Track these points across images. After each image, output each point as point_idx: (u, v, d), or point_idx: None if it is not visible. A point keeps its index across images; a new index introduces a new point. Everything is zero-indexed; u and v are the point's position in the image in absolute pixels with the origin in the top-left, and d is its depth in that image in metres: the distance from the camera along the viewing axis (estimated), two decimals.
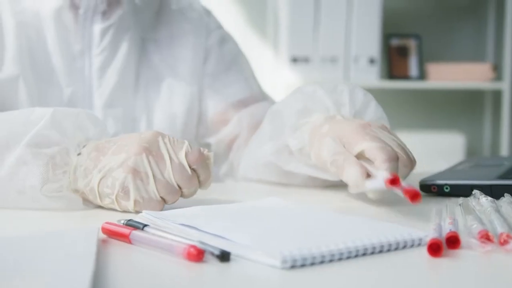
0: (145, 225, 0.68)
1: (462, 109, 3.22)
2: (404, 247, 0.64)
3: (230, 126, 1.21)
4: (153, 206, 0.80)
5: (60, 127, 0.84)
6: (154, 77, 1.18)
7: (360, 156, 0.83)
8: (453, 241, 0.63)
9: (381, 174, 0.76)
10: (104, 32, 1.14)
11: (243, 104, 1.22)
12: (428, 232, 0.65)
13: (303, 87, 1.02)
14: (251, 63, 1.30)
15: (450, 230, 0.65)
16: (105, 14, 1.14)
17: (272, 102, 1.23)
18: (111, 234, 0.68)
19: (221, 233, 0.64)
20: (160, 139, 0.82)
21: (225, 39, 1.27)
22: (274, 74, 2.88)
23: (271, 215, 0.77)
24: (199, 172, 0.83)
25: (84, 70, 1.14)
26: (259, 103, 1.22)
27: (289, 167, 0.98)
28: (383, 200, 0.84)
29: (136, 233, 0.66)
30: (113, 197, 0.81)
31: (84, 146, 0.85)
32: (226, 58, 1.25)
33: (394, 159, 0.80)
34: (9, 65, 1.09)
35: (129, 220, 0.70)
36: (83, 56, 1.14)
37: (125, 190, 0.80)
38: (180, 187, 0.82)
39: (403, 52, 3.05)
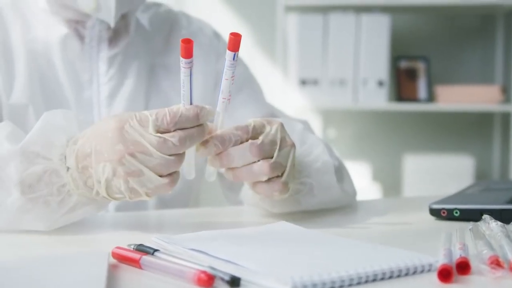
0: (155, 250, 0.68)
1: (471, 131, 3.22)
2: (414, 272, 0.64)
3: None
4: (163, 189, 0.81)
5: (36, 156, 0.83)
6: (164, 103, 1.18)
7: None
8: (463, 267, 0.63)
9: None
10: (111, 61, 1.15)
11: None
12: (438, 258, 0.64)
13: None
14: (260, 85, 1.30)
15: (460, 255, 0.64)
16: (111, 42, 1.15)
17: (283, 117, 1.24)
18: (122, 259, 0.68)
19: (231, 258, 0.64)
20: (126, 128, 0.80)
21: None
22: (283, 96, 2.89)
23: (281, 239, 0.77)
24: (183, 125, 0.81)
25: (92, 99, 1.14)
26: None
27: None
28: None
29: (147, 258, 0.66)
30: (127, 199, 0.82)
31: (65, 157, 0.84)
32: (237, 81, 1.25)
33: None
34: (19, 92, 1.10)
35: (140, 245, 0.70)
36: (91, 85, 1.14)
37: (132, 192, 0.81)
38: (174, 155, 0.81)
39: (411, 74, 3.05)
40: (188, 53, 0.78)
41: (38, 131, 0.85)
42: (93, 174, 0.82)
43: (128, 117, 0.81)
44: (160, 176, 0.81)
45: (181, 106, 0.81)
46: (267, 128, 0.87)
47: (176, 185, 0.83)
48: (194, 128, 0.81)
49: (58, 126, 0.86)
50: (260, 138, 0.86)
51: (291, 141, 0.89)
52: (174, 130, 0.80)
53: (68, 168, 0.83)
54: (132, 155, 0.79)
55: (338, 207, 1.02)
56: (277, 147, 0.86)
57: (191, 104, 0.82)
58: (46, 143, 0.84)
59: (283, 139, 0.88)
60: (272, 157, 0.86)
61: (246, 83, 1.26)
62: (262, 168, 0.85)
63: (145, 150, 0.79)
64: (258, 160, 0.85)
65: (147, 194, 0.82)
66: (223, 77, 0.83)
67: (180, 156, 0.81)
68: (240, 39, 0.79)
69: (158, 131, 0.80)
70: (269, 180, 0.87)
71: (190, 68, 0.79)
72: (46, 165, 0.83)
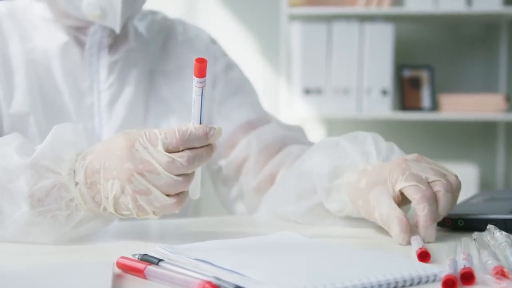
0: (160, 260, 0.68)
1: (475, 140, 3.22)
2: (419, 283, 0.64)
3: (238, 149, 1.21)
4: (171, 209, 0.82)
5: (46, 170, 0.83)
6: (163, 110, 1.19)
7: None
8: (468, 277, 0.63)
9: (416, 243, 0.78)
10: (111, 67, 1.15)
11: (250, 126, 1.22)
12: (442, 268, 0.64)
13: (324, 140, 1.04)
14: (256, 89, 1.31)
15: (465, 265, 0.64)
16: (111, 49, 1.15)
17: (278, 123, 1.24)
18: (126, 268, 0.68)
19: (236, 268, 0.64)
20: (136, 146, 0.80)
21: (230, 66, 1.28)
22: (287, 105, 2.89)
23: (286, 249, 0.77)
24: (192, 145, 0.80)
25: (93, 106, 1.15)
26: (266, 125, 1.23)
27: (325, 222, 1.00)
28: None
29: (151, 268, 0.66)
30: (134, 216, 0.83)
31: (75, 171, 0.84)
32: (232, 84, 1.26)
33: (428, 197, 0.84)
34: (19, 102, 1.10)
35: (144, 254, 0.70)
36: (92, 92, 1.15)
37: (140, 209, 0.82)
38: (182, 175, 0.81)
39: (415, 83, 3.05)
40: (201, 72, 0.78)
41: (47, 145, 0.85)
42: (102, 190, 0.82)
43: (137, 135, 0.81)
44: (168, 195, 0.81)
45: (191, 125, 0.81)
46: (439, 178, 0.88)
47: (183, 205, 0.83)
48: (203, 148, 0.81)
49: (67, 141, 0.86)
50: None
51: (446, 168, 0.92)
52: (182, 150, 0.80)
53: (76, 183, 0.83)
54: (140, 174, 0.80)
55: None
56: (454, 185, 0.89)
57: (200, 123, 0.81)
58: (56, 157, 0.84)
59: (445, 171, 0.92)
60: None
61: (241, 87, 1.27)
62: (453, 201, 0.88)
63: (153, 169, 0.79)
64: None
65: (154, 213, 0.82)
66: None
67: (188, 176, 0.81)
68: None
69: (167, 150, 0.80)
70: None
71: (202, 88, 0.79)
72: (56, 179, 0.83)
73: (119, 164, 0.80)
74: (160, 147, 0.80)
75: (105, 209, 0.83)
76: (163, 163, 0.79)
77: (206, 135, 0.81)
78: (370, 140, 1.00)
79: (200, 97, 0.80)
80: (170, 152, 0.80)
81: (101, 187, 0.82)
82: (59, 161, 0.84)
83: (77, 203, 0.84)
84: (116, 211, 0.83)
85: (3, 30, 1.14)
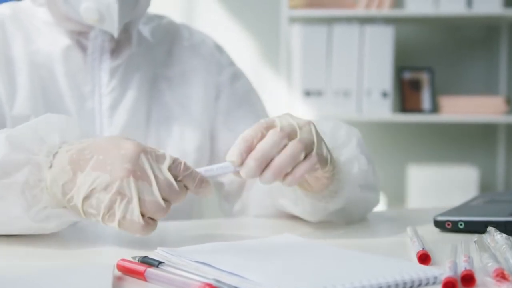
0: (160, 262, 0.68)
1: (475, 142, 3.22)
2: (419, 285, 0.64)
3: None
4: (136, 229, 0.79)
5: (21, 146, 0.82)
6: (165, 115, 1.19)
7: None
8: (468, 280, 0.63)
9: (416, 245, 0.78)
10: (113, 72, 1.15)
11: None
12: (443, 270, 0.64)
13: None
14: (262, 100, 1.30)
15: (465, 268, 0.64)
16: (113, 53, 1.15)
17: None
18: (126, 271, 0.68)
19: (236, 271, 0.64)
20: (142, 155, 0.80)
21: (236, 76, 1.27)
22: (287, 107, 2.89)
23: (286, 251, 0.77)
24: (187, 182, 0.82)
25: (94, 110, 1.14)
26: None
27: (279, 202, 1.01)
28: None
29: (151, 270, 0.66)
30: (99, 218, 0.80)
31: (54, 155, 0.82)
32: (238, 95, 1.25)
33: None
34: (21, 104, 1.10)
35: (144, 257, 0.70)
36: (93, 96, 1.14)
37: (110, 213, 0.79)
38: (168, 201, 0.81)
39: (415, 85, 3.05)
40: None
41: (28, 126, 0.85)
42: (81, 179, 0.80)
43: (147, 147, 0.82)
44: (142, 215, 0.79)
45: (199, 169, 0.84)
46: (277, 119, 0.87)
47: (148, 234, 0.81)
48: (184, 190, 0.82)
49: (55, 127, 0.85)
50: (277, 125, 0.85)
51: (305, 120, 0.88)
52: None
53: (51, 166, 0.81)
54: (135, 178, 0.78)
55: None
56: (297, 127, 0.86)
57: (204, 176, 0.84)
58: (37, 138, 0.83)
59: (297, 120, 0.87)
60: (296, 137, 0.85)
61: (246, 98, 1.26)
62: (296, 146, 0.84)
63: (149, 181, 0.79)
64: (287, 144, 0.84)
65: (119, 224, 0.79)
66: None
67: (168, 207, 0.81)
68: None
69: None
70: (304, 158, 0.85)
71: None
72: (29, 157, 0.82)
73: (118, 162, 0.79)
74: (165, 167, 0.80)
75: (70, 200, 0.81)
76: (161, 180, 0.79)
77: (201, 183, 0.83)
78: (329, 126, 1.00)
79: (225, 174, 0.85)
80: None
81: (81, 176, 0.80)
82: (39, 142, 0.83)
83: (44, 186, 0.82)
84: (82, 206, 0.80)
85: (6, 31, 1.14)
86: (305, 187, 0.92)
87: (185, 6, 3.18)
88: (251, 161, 0.83)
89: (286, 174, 0.85)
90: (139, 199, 0.78)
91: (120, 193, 0.78)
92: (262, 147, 0.83)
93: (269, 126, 0.85)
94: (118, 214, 0.79)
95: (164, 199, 0.80)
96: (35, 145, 0.83)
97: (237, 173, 0.85)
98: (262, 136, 0.84)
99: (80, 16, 1.08)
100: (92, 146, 0.82)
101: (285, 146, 0.84)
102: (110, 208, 0.79)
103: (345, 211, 0.97)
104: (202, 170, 0.84)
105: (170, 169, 0.81)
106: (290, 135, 0.85)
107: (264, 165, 0.83)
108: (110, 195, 0.78)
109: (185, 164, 0.82)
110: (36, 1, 1.15)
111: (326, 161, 0.87)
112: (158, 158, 0.81)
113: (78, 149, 0.82)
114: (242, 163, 0.83)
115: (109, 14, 1.06)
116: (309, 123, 0.88)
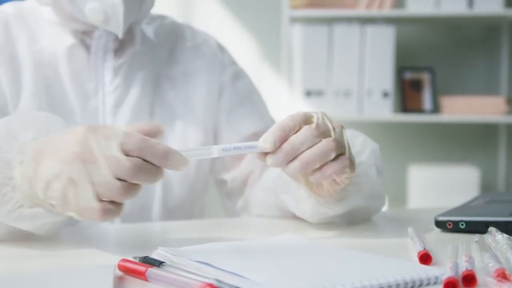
0: (161, 262, 0.68)
1: (476, 142, 3.21)
2: (420, 285, 0.64)
3: (245, 162, 1.21)
4: (95, 215, 0.75)
5: None
6: (168, 114, 1.19)
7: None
8: (469, 280, 0.63)
9: (417, 245, 0.77)
10: (116, 70, 1.15)
11: (257, 138, 1.22)
12: (444, 270, 0.64)
13: None
14: (264, 99, 1.31)
15: (467, 268, 0.64)
16: (117, 52, 1.16)
17: None
18: (127, 271, 0.68)
19: (237, 271, 0.64)
20: (90, 135, 0.75)
21: (238, 75, 1.28)
22: (288, 107, 2.89)
23: (287, 252, 0.77)
24: (147, 156, 0.75)
25: (98, 108, 1.15)
26: None
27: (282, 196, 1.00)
28: None
29: (153, 270, 0.66)
30: (58, 209, 0.77)
31: (25, 152, 0.81)
32: (240, 93, 1.26)
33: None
34: (25, 102, 1.10)
35: (145, 257, 0.70)
36: (97, 95, 1.15)
37: (65, 202, 0.76)
38: (126, 180, 0.75)
39: (416, 85, 3.05)
40: None
41: (1, 122, 0.84)
42: (40, 172, 0.77)
43: (100, 126, 0.77)
44: (100, 200, 0.75)
45: (229, 145, 0.82)
46: (315, 114, 0.87)
47: (111, 219, 0.76)
48: (155, 167, 0.76)
49: (27, 123, 0.85)
50: (314, 121, 0.86)
51: (338, 122, 0.89)
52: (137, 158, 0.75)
53: (21, 162, 0.80)
54: (83, 162, 0.74)
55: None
56: (331, 127, 0.86)
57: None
58: (8, 135, 0.83)
59: (332, 121, 0.88)
60: (331, 137, 0.85)
61: (248, 97, 1.27)
62: (328, 144, 0.84)
63: (95, 162, 0.74)
64: (321, 140, 0.84)
65: (77, 212, 0.76)
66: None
67: (130, 187, 0.75)
68: None
69: (123, 151, 0.74)
70: (335, 158, 0.85)
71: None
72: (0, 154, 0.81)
73: (68, 147, 0.76)
74: (114, 144, 0.74)
75: (38, 196, 0.78)
76: (110, 158, 0.74)
77: (166, 155, 0.76)
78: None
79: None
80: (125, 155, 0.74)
81: (39, 168, 0.78)
82: (10, 139, 0.82)
83: (15, 184, 0.81)
84: (45, 199, 0.78)
85: (11, 31, 1.14)
86: (314, 189, 0.92)
87: (186, 6, 3.18)
88: (281, 153, 0.83)
89: (315, 170, 0.85)
90: (92, 182, 0.74)
91: (71, 179, 0.75)
92: (294, 140, 0.84)
93: (307, 120, 0.86)
94: (73, 202, 0.75)
95: (119, 178, 0.74)
96: (5, 142, 0.82)
97: (261, 155, 0.85)
98: (299, 129, 0.85)
99: (85, 16, 1.09)
100: (53, 138, 0.80)
101: (316, 143, 0.84)
102: (64, 196, 0.76)
103: (346, 216, 0.97)
104: (231, 146, 0.83)
105: (122, 144, 0.74)
106: (324, 134, 0.85)
107: (291, 158, 0.84)
108: (62, 183, 0.76)
109: (142, 137, 0.75)
110: (41, 0, 1.15)
111: (354, 167, 0.88)
112: (108, 136, 0.75)
113: (41, 142, 0.81)
114: (273, 151, 0.83)
115: (114, 15, 1.07)
116: (342, 126, 0.89)
